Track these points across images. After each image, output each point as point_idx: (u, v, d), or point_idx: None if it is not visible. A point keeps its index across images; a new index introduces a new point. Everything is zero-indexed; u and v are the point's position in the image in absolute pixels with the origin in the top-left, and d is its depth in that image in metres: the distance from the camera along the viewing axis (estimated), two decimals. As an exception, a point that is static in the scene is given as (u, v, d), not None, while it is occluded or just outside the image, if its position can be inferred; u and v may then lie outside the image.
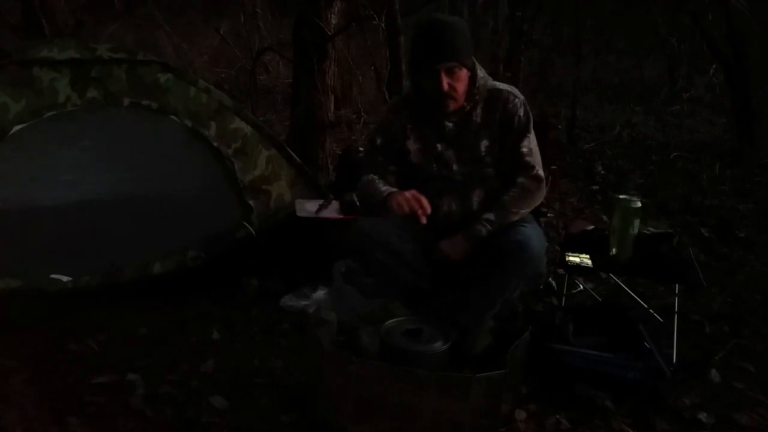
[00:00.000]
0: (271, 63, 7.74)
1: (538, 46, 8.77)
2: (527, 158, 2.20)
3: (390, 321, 2.07)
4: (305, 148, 3.96)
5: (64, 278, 2.45)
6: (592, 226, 2.66)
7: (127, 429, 1.90)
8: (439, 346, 1.95)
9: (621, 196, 2.43)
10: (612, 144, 6.19)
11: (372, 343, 2.05)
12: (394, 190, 2.16)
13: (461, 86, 2.12)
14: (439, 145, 2.21)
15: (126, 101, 2.61)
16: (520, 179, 2.19)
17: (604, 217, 3.87)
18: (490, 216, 2.15)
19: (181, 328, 2.51)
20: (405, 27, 4.38)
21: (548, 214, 3.95)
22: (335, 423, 1.87)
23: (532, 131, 2.24)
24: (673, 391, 2.10)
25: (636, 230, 2.36)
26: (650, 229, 2.50)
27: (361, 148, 4.02)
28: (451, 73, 2.08)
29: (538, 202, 2.26)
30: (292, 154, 3.12)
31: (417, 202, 2.06)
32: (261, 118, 4.41)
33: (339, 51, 4.58)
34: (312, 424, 1.92)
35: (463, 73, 2.11)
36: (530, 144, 2.22)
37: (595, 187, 4.72)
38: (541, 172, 2.23)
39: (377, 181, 2.25)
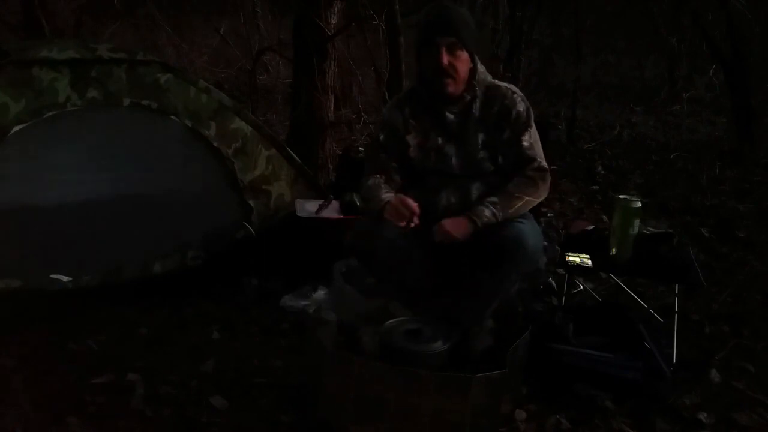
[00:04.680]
0: (271, 63, 7.73)
1: (538, 46, 8.77)
2: (529, 152, 2.20)
3: (390, 321, 2.07)
4: (305, 148, 3.96)
5: (64, 278, 2.45)
6: (592, 226, 2.66)
7: (127, 429, 1.90)
8: (439, 346, 1.95)
9: (621, 196, 2.42)
10: (612, 144, 6.18)
11: (372, 343, 2.05)
12: (390, 197, 2.12)
13: (462, 67, 2.11)
14: (439, 139, 2.20)
15: (126, 101, 2.61)
16: (524, 171, 2.18)
17: (604, 217, 3.87)
18: (494, 199, 2.12)
19: (181, 328, 2.51)
20: (405, 27, 4.37)
21: (548, 214, 3.94)
22: (335, 423, 1.87)
23: (534, 126, 2.23)
24: (673, 391, 2.10)
25: (636, 230, 2.36)
26: (650, 229, 2.50)
27: (362, 149, 4.02)
28: (452, 50, 2.08)
29: (544, 195, 2.23)
30: (292, 154, 3.12)
31: (405, 208, 2.03)
32: (261, 118, 4.40)
33: (339, 51, 4.57)
34: (312, 424, 1.92)
35: (464, 56, 2.11)
36: (531, 138, 2.21)
37: (595, 187, 4.72)
38: (544, 164, 2.22)
39: (382, 186, 2.21)
